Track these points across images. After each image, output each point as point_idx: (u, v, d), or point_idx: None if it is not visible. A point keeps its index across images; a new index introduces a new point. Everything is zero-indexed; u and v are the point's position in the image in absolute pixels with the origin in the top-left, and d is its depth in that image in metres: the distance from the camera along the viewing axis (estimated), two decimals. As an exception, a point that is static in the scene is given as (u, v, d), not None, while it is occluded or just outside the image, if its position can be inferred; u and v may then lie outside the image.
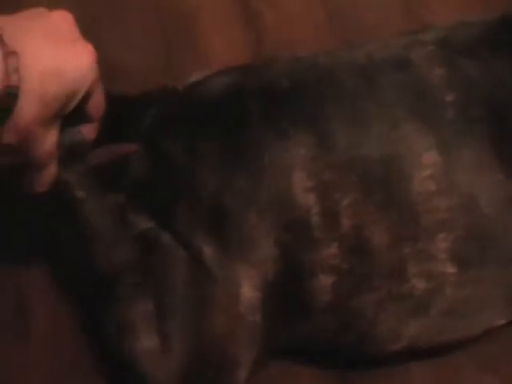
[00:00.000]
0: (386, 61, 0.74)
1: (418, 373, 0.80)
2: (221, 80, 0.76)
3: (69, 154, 0.69)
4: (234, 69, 0.78)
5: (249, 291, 0.70)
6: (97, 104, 0.68)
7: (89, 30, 0.69)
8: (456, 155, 0.70)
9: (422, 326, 0.74)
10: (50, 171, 0.68)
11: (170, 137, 0.73)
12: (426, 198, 0.70)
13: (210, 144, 0.72)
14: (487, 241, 0.72)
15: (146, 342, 0.72)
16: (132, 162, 0.73)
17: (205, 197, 0.70)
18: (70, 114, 0.66)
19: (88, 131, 0.70)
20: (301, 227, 0.70)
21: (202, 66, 0.84)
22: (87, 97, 0.66)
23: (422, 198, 0.70)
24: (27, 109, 0.60)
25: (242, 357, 0.72)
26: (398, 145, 0.70)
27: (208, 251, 0.70)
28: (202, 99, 0.75)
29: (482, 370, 0.80)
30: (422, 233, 0.70)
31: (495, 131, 0.71)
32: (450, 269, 0.71)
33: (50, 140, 0.64)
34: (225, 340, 0.71)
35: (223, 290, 0.70)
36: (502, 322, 0.77)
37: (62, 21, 0.65)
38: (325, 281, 0.71)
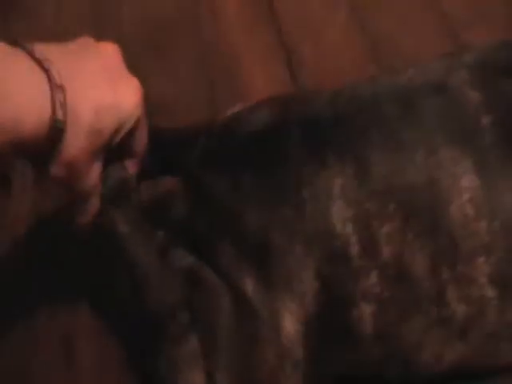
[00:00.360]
0: (425, 85, 0.75)
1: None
2: (262, 112, 0.77)
3: (113, 189, 0.71)
4: (274, 100, 0.80)
5: (291, 325, 0.71)
6: (141, 139, 0.70)
7: (135, 64, 0.70)
8: (495, 178, 0.70)
9: (464, 350, 0.74)
10: (94, 202, 0.70)
11: (213, 172, 0.75)
12: (465, 222, 0.70)
13: (252, 179, 0.73)
14: None
15: (192, 380, 0.72)
16: (176, 197, 0.75)
17: (249, 233, 0.71)
18: (114, 148, 0.68)
19: (131, 166, 0.72)
20: (340, 257, 0.70)
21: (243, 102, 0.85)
22: (132, 132, 0.68)
23: (461, 222, 0.70)
24: (74, 142, 0.62)
25: None
26: (436, 170, 0.70)
27: (250, 287, 0.71)
28: (243, 132, 0.76)
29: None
30: (461, 257, 0.70)
31: None
32: (491, 292, 0.71)
33: (95, 172, 0.66)
34: (272, 377, 0.72)
35: (267, 326, 0.71)
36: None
37: (112, 55, 0.66)
38: (366, 310, 0.71)
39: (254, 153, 0.75)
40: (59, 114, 0.60)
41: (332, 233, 0.70)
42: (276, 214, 0.71)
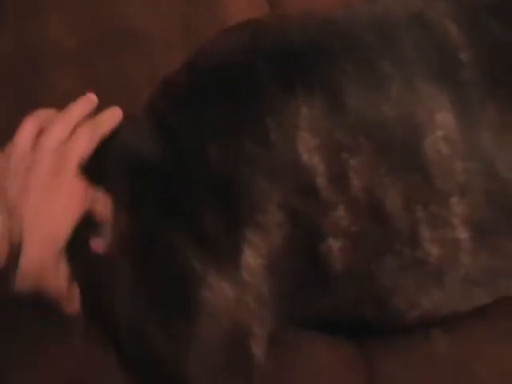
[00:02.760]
0: (403, 15, 0.73)
1: (438, 339, 0.78)
2: (230, 40, 0.75)
3: None
4: (244, 26, 0.77)
5: (251, 258, 0.69)
6: (102, 211, 0.72)
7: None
8: (473, 116, 0.69)
9: (438, 294, 0.73)
10: (75, 299, 0.73)
11: (176, 105, 0.73)
12: (439, 159, 0.68)
13: (216, 111, 0.71)
14: (505, 207, 0.70)
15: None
16: (142, 134, 0.74)
17: (211, 166, 0.70)
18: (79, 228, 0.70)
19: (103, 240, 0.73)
20: (307, 189, 0.68)
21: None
22: (88, 215, 0.71)
23: (435, 160, 0.68)
24: (32, 255, 0.67)
25: (255, 327, 0.71)
26: (412, 104, 0.69)
27: (211, 221, 0.69)
28: (209, 63, 0.75)
29: (503, 337, 0.78)
30: (435, 196, 0.69)
31: None
32: (464, 234, 0.70)
33: (62, 274, 0.70)
34: (234, 308, 0.70)
35: (225, 260, 0.69)
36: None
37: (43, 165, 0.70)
38: (334, 244, 0.69)
39: (219, 84, 0.72)
40: (16, 237, 0.66)
41: (298, 163, 0.68)
42: (239, 145, 0.69)
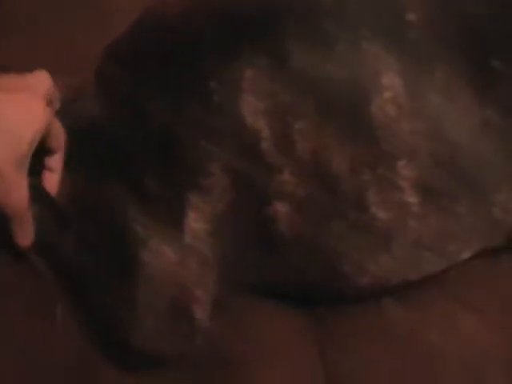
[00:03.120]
0: None
1: (390, 307, 0.78)
2: (175, 2, 0.74)
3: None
4: None
5: (195, 222, 0.68)
6: (57, 137, 0.70)
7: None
8: (422, 78, 0.68)
9: (387, 259, 0.72)
10: (28, 224, 0.69)
11: (119, 68, 0.72)
12: (386, 122, 0.67)
13: (157, 74, 0.70)
14: (454, 170, 0.69)
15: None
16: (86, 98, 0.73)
17: (153, 129, 0.69)
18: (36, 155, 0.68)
19: (56, 161, 0.71)
20: (251, 152, 0.68)
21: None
22: (45, 136, 0.69)
23: (382, 122, 0.67)
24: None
25: (198, 291, 0.70)
26: (358, 66, 0.68)
27: (154, 185, 0.68)
28: (153, 27, 0.74)
29: (455, 303, 0.78)
30: (382, 159, 0.68)
31: (470, 55, 0.68)
32: (413, 198, 0.69)
33: (22, 186, 0.67)
34: (176, 272, 0.69)
35: (168, 225, 0.68)
36: (468, 255, 0.74)
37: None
38: (280, 208, 0.69)
39: (160, 45, 0.72)
40: None
41: (241, 126, 0.67)
42: (181, 107, 0.68)
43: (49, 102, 0.70)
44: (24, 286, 0.72)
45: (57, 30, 0.93)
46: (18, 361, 0.70)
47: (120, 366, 0.71)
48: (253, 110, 0.67)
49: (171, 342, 0.70)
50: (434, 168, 0.69)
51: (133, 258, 0.68)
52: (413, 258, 0.73)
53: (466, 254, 0.74)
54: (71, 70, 0.82)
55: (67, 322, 0.72)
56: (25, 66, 0.76)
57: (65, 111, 0.73)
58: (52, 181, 0.72)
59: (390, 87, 0.67)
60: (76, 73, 0.79)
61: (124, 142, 0.70)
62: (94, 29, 0.92)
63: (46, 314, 0.72)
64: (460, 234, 0.72)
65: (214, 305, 0.71)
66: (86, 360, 0.71)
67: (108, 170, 0.70)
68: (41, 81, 0.71)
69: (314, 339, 0.77)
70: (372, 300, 0.77)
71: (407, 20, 0.69)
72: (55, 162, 0.72)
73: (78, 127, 0.72)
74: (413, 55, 0.68)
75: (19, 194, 0.67)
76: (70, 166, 0.71)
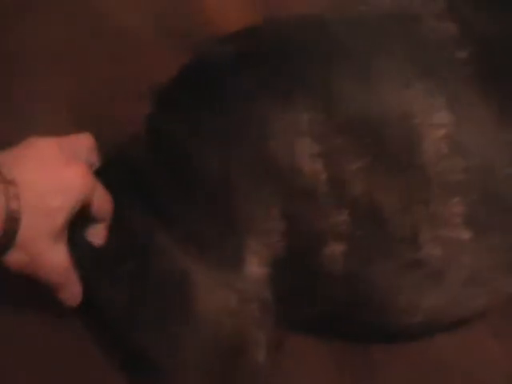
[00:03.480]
0: (399, 16, 0.72)
1: (439, 344, 0.78)
2: (222, 48, 0.74)
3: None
4: (236, 34, 0.76)
5: (254, 266, 0.68)
6: (100, 206, 0.70)
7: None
8: (471, 114, 0.68)
9: (440, 297, 0.72)
10: (75, 285, 0.70)
11: (172, 119, 0.72)
12: (438, 159, 0.67)
13: (211, 120, 0.70)
14: (505, 205, 0.69)
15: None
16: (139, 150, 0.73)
17: (209, 177, 0.69)
18: (77, 222, 0.69)
19: (101, 232, 0.71)
20: (309, 195, 0.68)
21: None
22: (87, 205, 0.69)
23: (435, 160, 0.67)
24: (31, 226, 0.64)
25: (258, 334, 0.70)
26: (409, 105, 0.68)
27: (210, 228, 0.68)
28: (203, 74, 0.74)
29: (504, 341, 0.78)
30: (435, 196, 0.68)
31: None
32: (465, 234, 0.69)
33: (60, 253, 0.68)
34: (237, 316, 0.69)
35: (228, 271, 0.68)
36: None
37: (48, 148, 0.68)
38: (337, 249, 0.69)
39: (213, 92, 0.71)
40: (14, 205, 0.64)
41: (298, 170, 0.68)
42: (236, 153, 0.69)
43: (90, 166, 0.70)
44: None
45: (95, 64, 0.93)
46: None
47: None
48: (309, 153, 0.67)
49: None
50: (485, 203, 0.69)
51: (193, 304, 0.68)
52: (466, 295, 0.73)
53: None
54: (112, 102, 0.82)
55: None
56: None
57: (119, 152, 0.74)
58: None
59: (442, 125, 0.67)
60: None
61: (177, 191, 0.70)
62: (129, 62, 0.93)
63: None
64: (508, 265, 0.72)
65: (271, 346, 0.71)
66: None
67: (163, 218, 0.69)
68: (83, 144, 0.71)
69: (365, 375, 0.77)
70: (423, 337, 0.77)
71: (458, 57, 0.69)
72: (99, 232, 0.72)
73: (131, 172, 0.73)
74: (462, 91, 0.68)
75: (56, 262, 0.67)
76: (119, 214, 0.71)
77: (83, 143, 0.71)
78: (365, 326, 0.75)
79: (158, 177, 0.71)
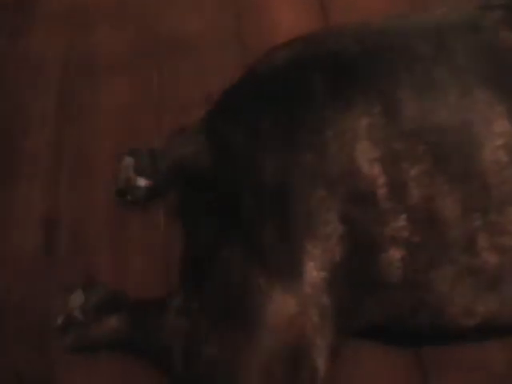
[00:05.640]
0: (458, 24, 0.72)
1: (492, 355, 0.78)
2: (283, 52, 0.75)
3: None
4: (298, 40, 0.77)
5: (314, 271, 0.69)
6: None
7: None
8: None
9: (495, 301, 0.72)
10: None
11: (231, 123, 0.73)
12: (497, 168, 0.68)
13: (270, 124, 0.71)
14: None
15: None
16: (200, 155, 0.73)
17: (268, 181, 0.69)
18: None
19: None
20: (367, 200, 0.68)
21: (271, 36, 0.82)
22: None
23: (494, 169, 0.68)
24: None
25: (318, 340, 0.70)
26: (469, 113, 0.68)
27: (268, 233, 0.69)
28: (263, 78, 0.74)
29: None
30: (494, 204, 0.68)
31: None
32: None
33: None
34: (297, 321, 0.69)
35: (287, 271, 0.69)
36: None
37: None
38: (395, 254, 0.69)
39: (272, 96, 0.72)
40: None
41: (358, 174, 0.68)
42: (296, 157, 0.69)
43: None
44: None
45: (158, 72, 0.95)
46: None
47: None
48: (368, 157, 0.68)
49: None
50: None
51: (256, 312, 0.69)
52: None
53: None
54: (172, 110, 0.84)
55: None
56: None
57: (177, 159, 0.74)
58: None
59: (502, 134, 0.68)
60: (177, 114, 0.80)
61: (236, 194, 0.70)
62: (193, 69, 0.94)
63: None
64: None
65: (330, 351, 0.71)
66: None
67: (222, 224, 0.70)
68: None
69: (419, 379, 0.77)
70: (477, 340, 0.78)
71: None
72: None
73: (189, 180, 0.74)
74: None
75: None
76: (186, 224, 0.73)
77: None
78: (419, 329, 0.75)
79: (218, 181, 0.72)
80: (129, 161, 0.85)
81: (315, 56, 0.73)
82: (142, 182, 0.83)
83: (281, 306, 0.68)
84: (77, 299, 0.77)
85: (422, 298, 0.71)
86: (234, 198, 0.71)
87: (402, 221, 0.68)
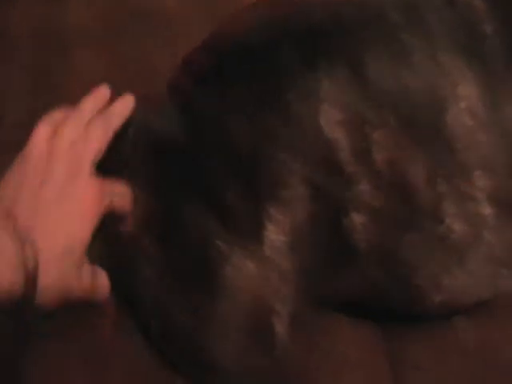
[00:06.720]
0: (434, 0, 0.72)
1: (462, 325, 0.77)
2: (250, 17, 0.75)
3: None
4: (263, 4, 0.76)
5: (274, 234, 0.68)
6: (121, 203, 0.72)
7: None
8: (497, 88, 0.68)
9: (460, 274, 0.71)
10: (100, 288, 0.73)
11: (200, 87, 0.73)
12: (462, 132, 0.67)
13: (239, 88, 0.70)
14: None
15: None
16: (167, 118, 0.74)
17: (236, 143, 0.69)
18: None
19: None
20: (330, 163, 0.67)
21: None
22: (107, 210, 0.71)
23: (459, 133, 0.67)
24: (51, 273, 0.66)
25: (277, 305, 0.70)
26: (435, 77, 0.68)
27: (232, 196, 0.68)
28: (231, 41, 0.74)
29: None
30: (459, 169, 0.68)
31: None
32: (488, 210, 0.68)
33: (85, 274, 0.70)
34: (257, 285, 0.69)
35: (248, 238, 0.68)
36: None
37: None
38: (357, 219, 0.68)
39: (240, 61, 0.72)
40: (30, 266, 0.64)
41: (320, 137, 0.67)
42: (261, 120, 0.69)
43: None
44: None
45: (131, 45, 0.95)
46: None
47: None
48: (331, 120, 0.67)
49: (250, 355, 0.70)
50: (510, 180, 0.68)
51: (215, 274, 0.69)
52: (487, 275, 0.72)
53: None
54: (144, 84, 0.83)
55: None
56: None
57: (142, 124, 0.74)
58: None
59: (466, 97, 0.67)
60: (148, 87, 0.80)
61: (202, 157, 0.70)
62: (167, 44, 0.94)
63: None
64: None
65: (291, 318, 0.71)
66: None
67: (188, 185, 0.70)
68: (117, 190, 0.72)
69: (385, 354, 0.77)
70: (445, 318, 0.77)
71: (483, 31, 0.69)
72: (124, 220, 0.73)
73: (152, 145, 0.73)
74: (489, 66, 0.68)
75: (81, 283, 0.69)
76: (148, 185, 0.72)
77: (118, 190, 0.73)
78: (386, 303, 0.75)
79: (184, 145, 0.71)
80: None
81: (279, 20, 0.73)
82: None
83: (240, 269, 0.68)
84: None
85: (387, 267, 0.71)
86: (199, 159, 0.70)
87: (364, 185, 0.67)
